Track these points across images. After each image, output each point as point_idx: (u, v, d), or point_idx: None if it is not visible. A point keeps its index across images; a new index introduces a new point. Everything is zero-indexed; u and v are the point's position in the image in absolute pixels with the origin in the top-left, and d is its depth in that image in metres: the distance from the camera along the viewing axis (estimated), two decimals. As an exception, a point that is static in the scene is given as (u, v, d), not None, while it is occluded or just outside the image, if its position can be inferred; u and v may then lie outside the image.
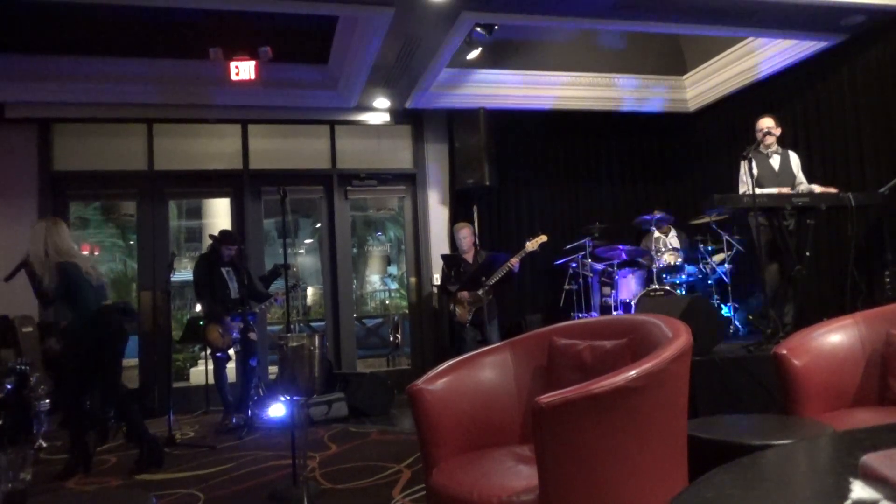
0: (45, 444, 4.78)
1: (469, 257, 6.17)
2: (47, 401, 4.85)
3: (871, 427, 1.68)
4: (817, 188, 4.87)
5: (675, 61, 7.61)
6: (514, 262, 5.79)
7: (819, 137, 6.22)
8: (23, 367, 4.76)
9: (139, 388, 6.37)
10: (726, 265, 6.13)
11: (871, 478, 1.02)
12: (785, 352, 2.68)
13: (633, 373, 1.82)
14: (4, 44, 5.90)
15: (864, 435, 1.51)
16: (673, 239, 6.73)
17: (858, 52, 5.82)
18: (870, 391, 2.72)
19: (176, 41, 6.20)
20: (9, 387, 4.59)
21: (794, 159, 5.05)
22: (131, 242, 8.43)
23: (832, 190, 4.80)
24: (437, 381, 2.44)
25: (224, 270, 5.59)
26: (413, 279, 7.53)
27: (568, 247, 6.63)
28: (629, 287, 6.47)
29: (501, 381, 2.61)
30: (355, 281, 9.03)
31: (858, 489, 1.01)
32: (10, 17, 5.74)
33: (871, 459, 1.05)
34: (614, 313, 6.25)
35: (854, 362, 2.76)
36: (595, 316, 6.43)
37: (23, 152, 6.41)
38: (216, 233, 5.75)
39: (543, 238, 5.97)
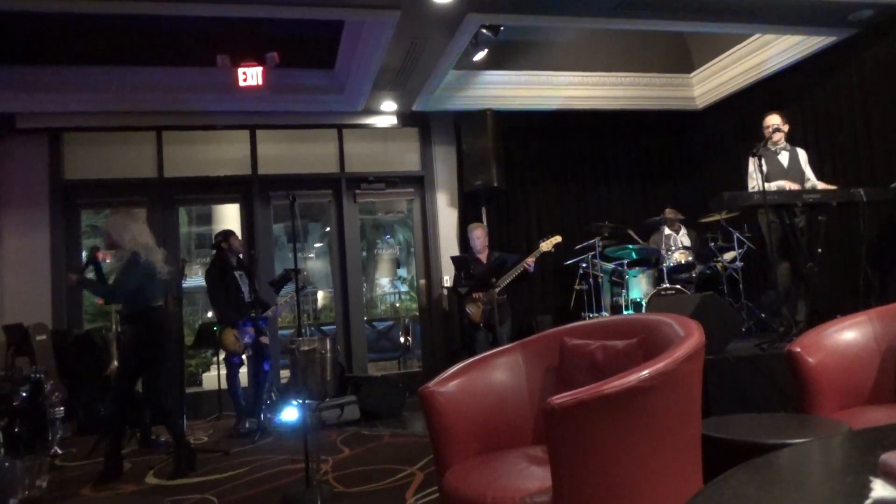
0: (60, 452, 4.82)
1: (483, 258, 6.17)
2: (62, 408, 4.90)
3: (888, 425, 1.66)
4: (820, 185, 4.83)
5: (682, 59, 7.58)
6: (530, 261, 5.79)
7: (828, 133, 6.18)
8: (37, 375, 4.81)
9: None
10: (737, 263, 6.09)
11: (892, 476, 1.01)
12: (798, 349, 2.66)
13: (645, 373, 1.81)
14: (14, 55, 5.95)
15: (881, 433, 1.49)
16: (683, 237, 6.70)
17: (867, 47, 5.78)
18: (885, 388, 2.69)
19: (183, 49, 6.24)
20: (24, 394, 4.63)
21: (803, 156, 5.02)
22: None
23: (834, 189, 4.77)
24: (449, 384, 2.44)
25: (237, 274, 5.62)
26: (423, 281, 7.53)
27: (577, 247, 6.61)
28: (640, 286, 6.44)
29: (513, 383, 2.61)
30: (365, 284, 9.05)
31: (879, 488, 0.99)
32: (19, 30, 5.79)
33: (891, 458, 1.04)
34: (625, 313, 6.22)
35: (868, 359, 2.74)
36: (606, 316, 6.41)
37: (34, 162, 6.47)
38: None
39: (558, 239, 5.96)
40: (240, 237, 5.82)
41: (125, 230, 4.14)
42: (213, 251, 5.78)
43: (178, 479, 4.01)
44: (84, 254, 5.12)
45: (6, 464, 1.95)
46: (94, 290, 4.33)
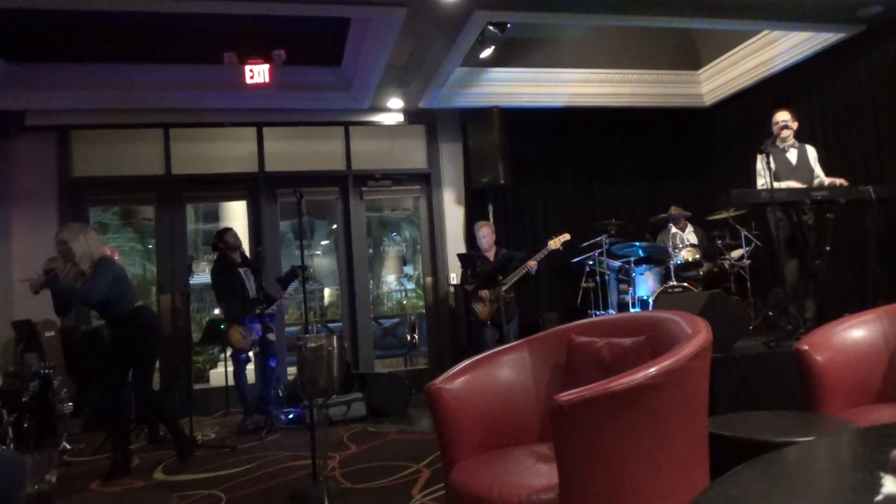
0: (68, 447, 4.85)
1: (490, 255, 6.17)
2: (70, 404, 4.93)
3: (897, 422, 1.65)
4: (827, 180, 4.80)
5: (690, 56, 7.55)
6: (532, 264, 5.79)
7: (836, 130, 6.14)
8: (46, 371, 4.84)
9: (160, 390, 6.44)
10: (745, 261, 6.07)
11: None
12: (806, 347, 2.65)
13: (652, 370, 1.81)
14: (22, 53, 5.98)
15: (890, 431, 1.49)
16: (690, 235, 6.68)
17: (876, 44, 5.74)
18: (893, 387, 2.68)
19: (191, 47, 6.26)
20: (33, 390, 4.66)
21: (812, 153, 4.99)
22: (150, 246, 8.51)
23: (841, 181, 4.73)
24: (456, 380, 2.44)
25: (242, 271, 5.63)
26: (429, 279, 7.54)
27: (584, 244, 6.61)
28: (647, 284, 6.43)
29: (520, 380, 2.61)
30: (372, 281, 9.04)
31: (890, 484, 0.99)
32: (27, 27, 5.82)
33: (901, 454, 1.03)
34: (632, 310, 6.21)
35: (877, 358, 2.72)
36: (612, 313, 6.40)
37: (42, 159, 6.50)
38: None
39: (566, 236, 5.93)
40: (237, 232, 5.80)
41: (89, 240, 4.14)
42: (215, 253, 5.80)
43: (183, 462, 4.11)
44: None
45: (16, 459, 1.97)
46: (65, 295, 4.09)
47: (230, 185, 7.24)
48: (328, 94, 6.82)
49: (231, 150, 7.11)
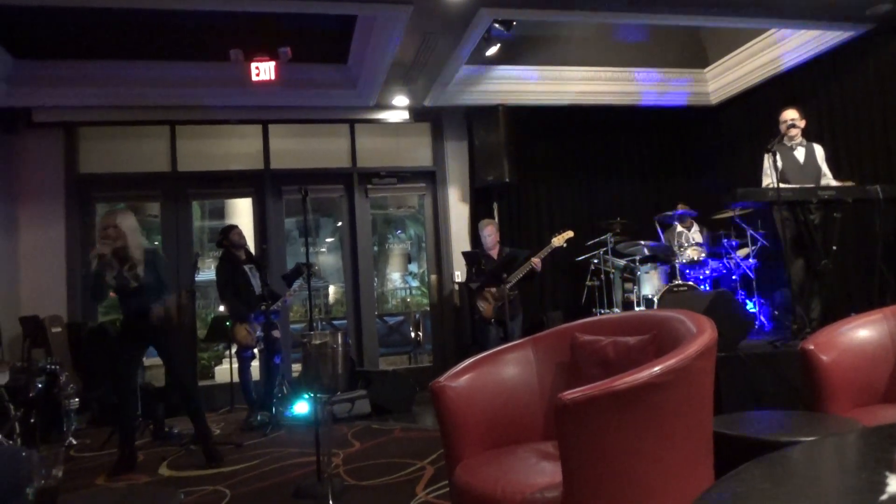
0: (74, 442, 4.88)
1: (494, 254, 6.16)
2: (76, 399, 4.95)
3: (902, 423, 1.65)
4: (834, 183, 4.78)
5: (697, 54, 7.52)
6: (536, 261, 5.78)
7: (844, 129, 6.11)
8: (53, 367, 4.86)
9: (165, 386, 6.45)
10: (750, 260, 6.05)
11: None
12: (812, 347, 2.64)
13: (657, 369, 1.81)
14: (29, 50, 6.00)
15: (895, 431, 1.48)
16: (696, 234, 6.66)
17: (884, 43, 5.71)
18: (900, 387, 2.67)
19: (197, 44, 6.27)
20: (39, 386, 4.69)
21: (819, 152, 4.96)
22: (156, 243, 8.52)
23: (849, 184, 4.71)
24: (460, 378, 2.44)
25: (247, 268, 5.65)
26: (434, 276, 7.54)
27: (589, 243, 6.59)
28: (652, 283, 6.41)
29: (524, 378, 2.61)
30: (376, 279, 9.07)
31: (895, 484, 0.99)
32: (34, 24, 5.84)
33: (905, 454, 1.03)
34: (637, 309, 6.20)
35: (883, 358, 2.71)
36: (617, 312, 6.39)
37: (50, 156, 6.53)
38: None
39: (570, 234, 5.92)
40: (241, 230, 5.81)
41: (138, 228, 4.19)
42: (220, 250, 5.81)
43: (213, 463, 4.13)
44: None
45: (23, 453, 1.99)
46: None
47: (236, 183, 7.26)
48: (334, 92, 6.82)
49: (237, 148, 7.13)
